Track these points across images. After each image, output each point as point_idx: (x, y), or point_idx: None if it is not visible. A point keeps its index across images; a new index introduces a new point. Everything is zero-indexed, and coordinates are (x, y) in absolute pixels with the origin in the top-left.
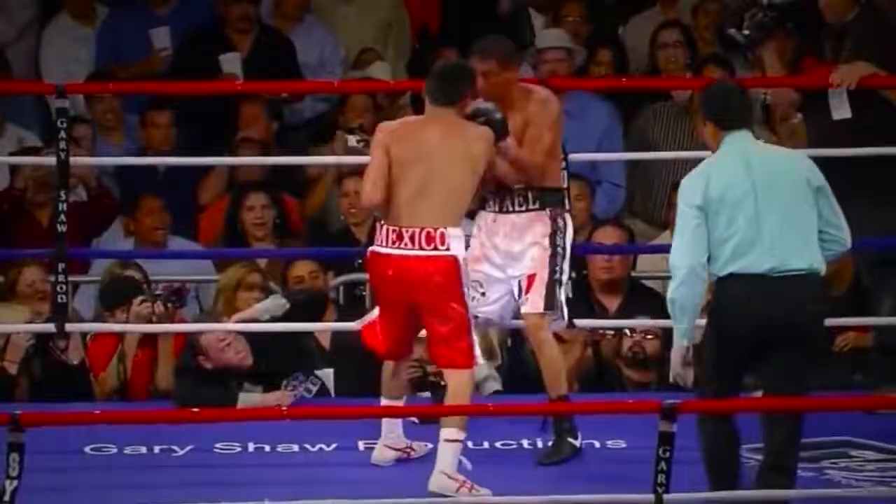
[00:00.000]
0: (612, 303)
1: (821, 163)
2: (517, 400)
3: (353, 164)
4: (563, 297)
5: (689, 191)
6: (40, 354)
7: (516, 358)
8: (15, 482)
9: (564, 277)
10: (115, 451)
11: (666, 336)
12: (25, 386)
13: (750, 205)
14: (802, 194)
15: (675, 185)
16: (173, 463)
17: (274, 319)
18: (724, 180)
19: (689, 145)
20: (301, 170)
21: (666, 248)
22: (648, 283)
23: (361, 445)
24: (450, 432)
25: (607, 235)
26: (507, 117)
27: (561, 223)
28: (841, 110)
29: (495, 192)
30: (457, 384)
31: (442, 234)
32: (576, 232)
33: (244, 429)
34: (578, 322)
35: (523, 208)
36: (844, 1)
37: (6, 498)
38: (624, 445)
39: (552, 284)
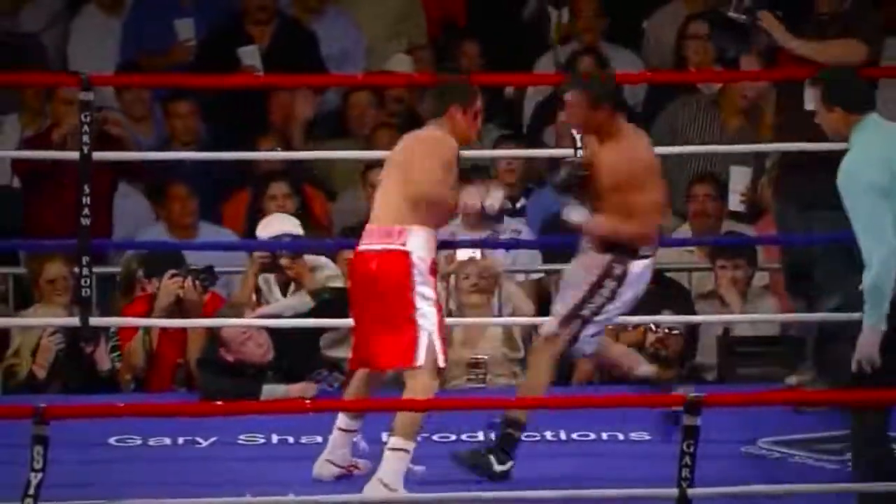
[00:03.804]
0: None
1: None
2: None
3: (375, 158)
4: (588, 332)
5: (869, 176)
6: (71, 360)
7: None
8: (39, 475)
9: (597, 317)
10: (139, 442)
11: (687, 330)
12: (56, 391)
13: None
14: None
15: (697, 177)
16: (197, 455)
17: (298, 315)
18: (894, 161)
19: (715, 138)
20: (325, 161)
21: (686, 242)
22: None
23: (385, 437)
24: (395, 441)
25: None
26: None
27: (618, 271)
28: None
29: None
30: (410, 387)
31: (400, 231)
32: None
33: (268, 421)
34: None
35: (589, 245)
36: None
37: (31, 491)
38: (648, 438)
39: (574, 314)
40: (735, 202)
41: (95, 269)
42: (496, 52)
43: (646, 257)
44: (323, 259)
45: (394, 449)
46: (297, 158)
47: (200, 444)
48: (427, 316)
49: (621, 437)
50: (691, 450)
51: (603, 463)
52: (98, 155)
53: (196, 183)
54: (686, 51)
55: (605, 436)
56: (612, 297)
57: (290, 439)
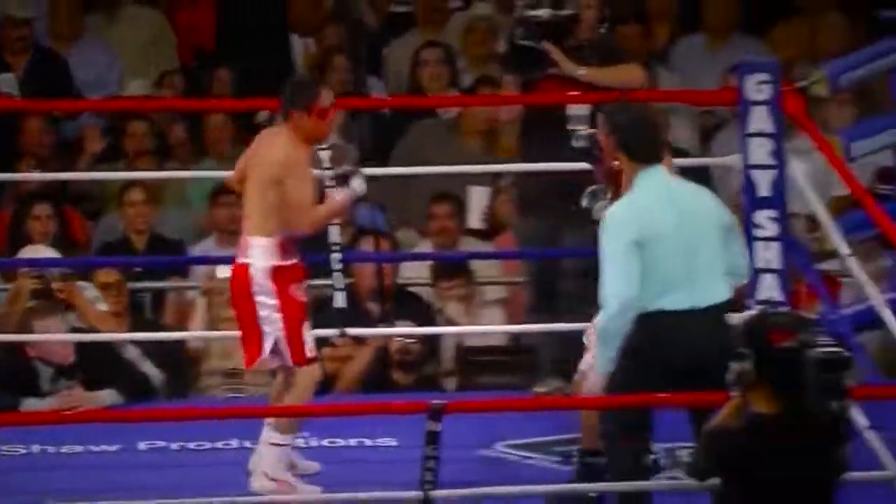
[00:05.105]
0: (378, 309)
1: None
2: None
3: (132, 178)
4: None
5: (623, 225)
6: None
7: None
8: None
9: None
10: None
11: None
12: None
13: (678, 241)
14: (718, 231)
15: (437, 197)
16: None
17: None
18: (654, 216)
19: (454, 159)
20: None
21: (427, 256)
22: (411, 289)
23: (143, 446)
24: (270, 435)
25: (371, 245)
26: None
27: None
28: (582, 140)
29: None
30: (294, 383)
31: (247, 243)
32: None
33: (31, 431)
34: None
35: None
36: (600, 17)
37: None
38: (395, 444)
39: None
40: (476, 220)
41: None
42: (248, 78)
43: None
44: (84, 283)
45: (272, 444)
46: (62, 179)
47: None
48: (271, 321)
49: (369, 442)
50: (435, 454)
51: (350, 468)
52: None
53: None
54: (421, 76)
55: (353, 441)
56: None
57: (51, 449)
